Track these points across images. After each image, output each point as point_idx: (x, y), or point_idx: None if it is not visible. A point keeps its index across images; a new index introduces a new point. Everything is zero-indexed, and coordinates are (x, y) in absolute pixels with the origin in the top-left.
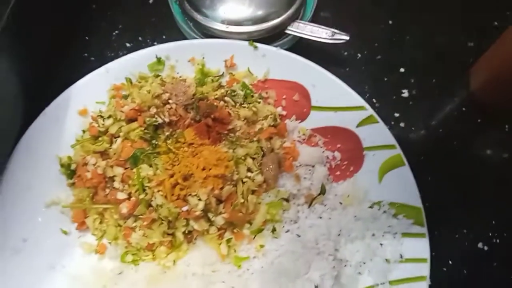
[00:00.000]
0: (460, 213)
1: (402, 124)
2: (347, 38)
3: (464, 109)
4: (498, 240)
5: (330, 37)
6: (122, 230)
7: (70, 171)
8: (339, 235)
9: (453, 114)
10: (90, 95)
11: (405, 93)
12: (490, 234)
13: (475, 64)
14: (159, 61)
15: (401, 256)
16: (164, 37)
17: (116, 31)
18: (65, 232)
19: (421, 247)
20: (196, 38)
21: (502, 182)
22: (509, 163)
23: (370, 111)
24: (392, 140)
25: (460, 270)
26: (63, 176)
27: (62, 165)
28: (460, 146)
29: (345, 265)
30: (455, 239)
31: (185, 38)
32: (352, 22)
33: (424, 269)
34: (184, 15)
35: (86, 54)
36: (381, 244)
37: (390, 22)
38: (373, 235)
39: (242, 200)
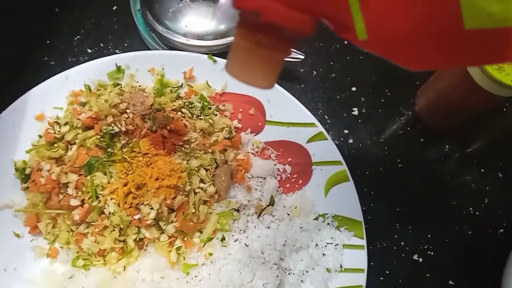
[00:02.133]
0: (399, 226)
1: (350, 141)
2: (302, 57)
3: (409, 128)
4: (432, 253)
5: None
6: (74, 235)
7: (25, 175)
8: (284, 245)
9: (398, 133)
10: (48, 100)
11: (355, 111)
12: (425, 247)
13: (421, 87)
14: (118, 69)
15: (341, 266)
16: (125, 45)
17: (78, 36)
18: (17, 235)
19: (359, 258)
20: (157, 49)
21: (440, 199)
22: (447, 181)
23: (320, 128)
24: (339, 157)
25: (395, 280)
26: (17, 180)
27: (16, 169)
28: (403, 164)
29: (288, 273)
30: (393, 250)
31: (147, 47)
32: (309, 39)
33: (361, 279)
34: (147, 25)
35: (46, 58)
36: (323, 254)
37: (346, 42)
38: (317, 245)
39: (193, 210)
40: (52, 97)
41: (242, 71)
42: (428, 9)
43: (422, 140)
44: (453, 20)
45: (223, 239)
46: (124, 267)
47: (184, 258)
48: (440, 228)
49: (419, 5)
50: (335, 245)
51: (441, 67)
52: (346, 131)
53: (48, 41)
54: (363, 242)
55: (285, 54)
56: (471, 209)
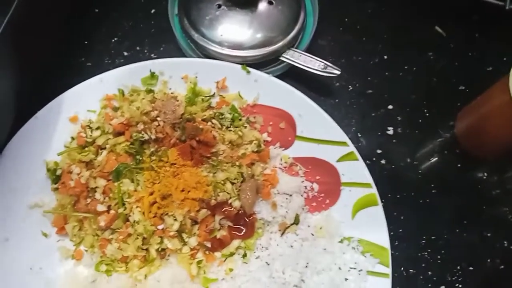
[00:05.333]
0: (428, 255)
1: (383, 161)
2: (338, 72)
3: (446, 152)
4: (460, 285)
5: (322, 69)
6: (99, 240)
7: (56, 176)
8: (306, 266)
9: (434, 157)
10: (82, 103)
11: (390, 131)
12: (454, 279)
13: (463, 110)
14: (152, 75)
15: None
16: (161, 49)
17: (116, 38)
18: (45, 235)
19: (383, 287)
20: (192, 56)
21: (473, 229)
22: (482, 211)
23: (351, 147)
24: (369, 179)
25: None
26: (48, 180)
27: (48, 170)
28: (437, 189)
29: None
30: (419, 280)
31: (182, 53)
32: (347, 52)
33: None
34: (183, 31)
35: (83, 59)
36: (346, 279)
37: (385, 57)
38: (340, 269)
39: (218, 226)
40: (86, 100)
41: None
42: None
43: (459, 165)
44: None
45: (244, 255)
46: (146, 275)
47: (204, 272)
48: (470, 260)
49: None
50: (359, 271)
51: None
52: (379, 151)
53: (86, 42)
54: (388, 271)
55: None
56: (505, 242)
